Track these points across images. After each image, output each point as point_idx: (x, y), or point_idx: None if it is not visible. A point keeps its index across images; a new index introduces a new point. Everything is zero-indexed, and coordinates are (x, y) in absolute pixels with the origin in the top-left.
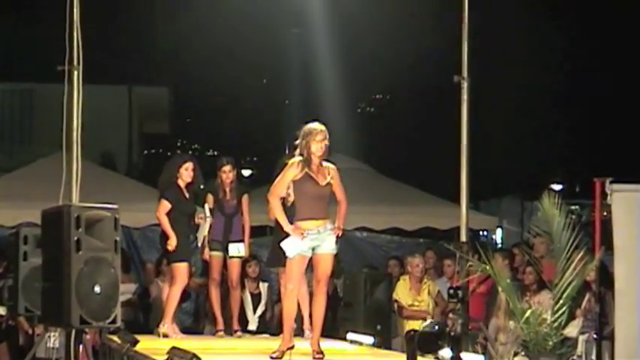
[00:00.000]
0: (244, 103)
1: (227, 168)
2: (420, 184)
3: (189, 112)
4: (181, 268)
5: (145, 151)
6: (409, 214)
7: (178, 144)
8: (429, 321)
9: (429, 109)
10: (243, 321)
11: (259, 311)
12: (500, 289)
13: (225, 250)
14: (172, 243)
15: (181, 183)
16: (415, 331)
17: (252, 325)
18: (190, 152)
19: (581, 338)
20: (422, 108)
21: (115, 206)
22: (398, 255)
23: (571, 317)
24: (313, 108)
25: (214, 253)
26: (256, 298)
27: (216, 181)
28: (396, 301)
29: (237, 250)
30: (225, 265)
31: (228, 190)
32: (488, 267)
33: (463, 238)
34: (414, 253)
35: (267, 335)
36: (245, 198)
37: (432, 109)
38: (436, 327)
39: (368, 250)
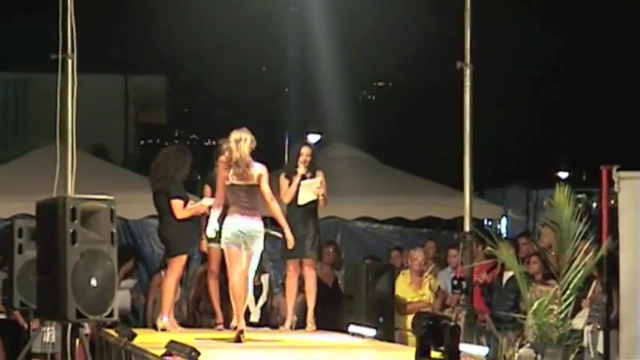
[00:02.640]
0: (243, 91)
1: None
2: (423, 173)
3: (186, 101)
4: (182, 261)
5: (142, 142)
6: (412, 204)
7: (176, 134)
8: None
9: (432, 96)
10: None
11: (261, 302)
12: (505, 279)
13: None
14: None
15: (183, 177)
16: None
17: (255, 317)
18: (188, 142)
19: (587, 329)
20: (425, 95)
21: (110, 197)
22: (400, 246)
23: (578, 308)
24: (313, 96)
25: (212, 244)
26: (257, 290)
27: (213, 171)
28: (397, 297)
29: None
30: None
31: None
32: (499, 254)
33: (467, 227)
34: (415, 246)
35: (267, 329)
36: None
37: (435, 96)
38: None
39: (370, 240)
